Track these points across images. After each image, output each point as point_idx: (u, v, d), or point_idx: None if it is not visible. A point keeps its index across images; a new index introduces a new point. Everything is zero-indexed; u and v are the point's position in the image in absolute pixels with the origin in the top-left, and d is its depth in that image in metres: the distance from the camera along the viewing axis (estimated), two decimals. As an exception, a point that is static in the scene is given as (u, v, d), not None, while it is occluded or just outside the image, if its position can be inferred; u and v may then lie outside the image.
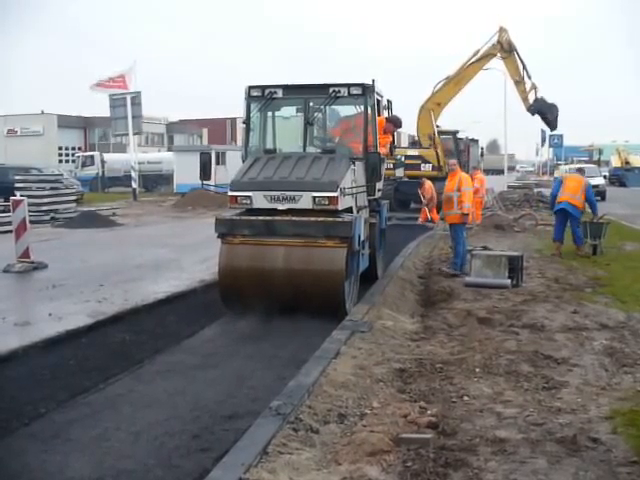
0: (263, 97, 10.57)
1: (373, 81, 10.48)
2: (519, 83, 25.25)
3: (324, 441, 4.93)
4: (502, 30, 24.61)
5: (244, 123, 10.82)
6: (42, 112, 63.04)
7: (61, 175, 28.26)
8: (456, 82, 25.73)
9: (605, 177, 45.92)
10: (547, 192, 37.04)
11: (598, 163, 59.92)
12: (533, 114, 24.98)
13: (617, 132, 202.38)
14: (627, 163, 57.15)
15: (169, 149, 56.13)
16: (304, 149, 10.59)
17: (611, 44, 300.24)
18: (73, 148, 62.89)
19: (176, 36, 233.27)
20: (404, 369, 6.68)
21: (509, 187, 40.90)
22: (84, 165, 48.50)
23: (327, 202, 9.12)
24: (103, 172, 47.33)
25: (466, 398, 5.83)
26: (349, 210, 9.66)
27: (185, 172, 34.64)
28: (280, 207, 9.26)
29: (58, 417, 5.74)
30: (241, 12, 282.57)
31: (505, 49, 24.75)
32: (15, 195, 16.82)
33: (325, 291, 8.87)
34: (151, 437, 5.26)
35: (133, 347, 7.86)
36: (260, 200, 9.34)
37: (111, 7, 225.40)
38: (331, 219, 9.07)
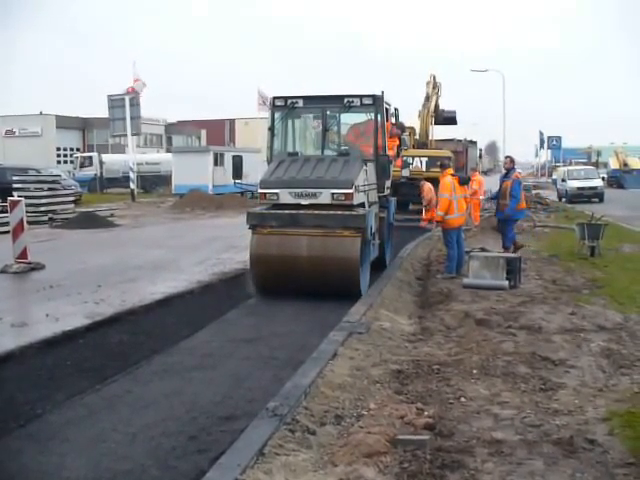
0: (286, 106, 11.90)
1: (382, 92, 11.73)
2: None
3: (321, 442, 4.92)
4: (434, 77, 29.85)
5: (269, 129, 12.00)
6: (40, 113, 62.93)
7: (59, 176, 28.22)
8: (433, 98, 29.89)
9: (603, 179, 45.89)
10: (545, 194, 37.22)
11: (596, 165, 60.00)
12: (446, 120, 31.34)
13: (615, 134, 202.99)
14: (625, 165, 57.05)
15: (168, 150, 56.16)
16: (322, 152, 11.97)
17: (610, 46, 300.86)
18: (71, 149, 62.81)
19: (175, 37, 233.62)
20: (401, 370, 6.68)
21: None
22: (82, 166, 48.51)
23: (344, 198, 10.36)
24: (101, 173, 47.31)
25: (463, 399, 5.83)
26: (362, 205, 10.92)
27: (184, 173, 34.66)
28: (303, 202, 10.54)
29: (55, 418, 5.72)
30: (241, 13, 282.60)
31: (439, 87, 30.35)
32: (13, 196, 16.80)
33: (343, 275, 10.15)
34: (148, 438, 5.25)
35: (130, 348, 7.85)
36: (286, 196, 10.60)
37: (110, 8, 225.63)
38: (347, 212, 10.38)
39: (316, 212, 10.41)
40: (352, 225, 10.30)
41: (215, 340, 8.28)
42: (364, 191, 11.04)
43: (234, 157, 12.74)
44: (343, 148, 12.36)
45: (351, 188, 10.36)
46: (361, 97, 11.65)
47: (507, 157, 15.34)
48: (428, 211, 20.37)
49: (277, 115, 12.04)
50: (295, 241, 10.38)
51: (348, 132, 13.04)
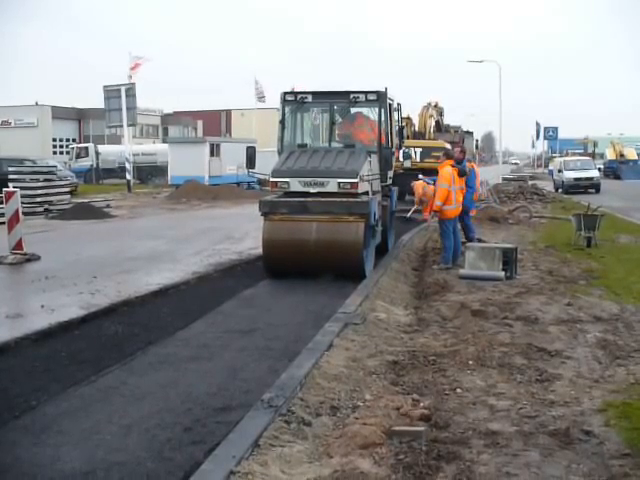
0: (296, 101, 12.78)
1: (386, 89, 12.66)
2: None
3: (316, 434, 4.91)
4: (437, 103, 30.92)
5: (280, 123, 12.81)
6: (36, 103, 62.85)
7: (55, 167, 28.11)
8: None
9: (600, 170, 45.89)
10: (541, 185, 37.21)
11: (593, 156, 60.02)
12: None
13: (612, 125, 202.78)
14: (622, 156, 57.16)
15: (164, 141, 56.03)
16: (329, 144, 12.91)
17: (607, 38, 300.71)
18: (67, 140, 62.73)
19: (172, 27, 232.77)
20: (397, 361, 6.67)
21: (504, 179, 40.89)
22: (78, 157, 48.40)
23: (349, 186, 11.21)
24: (97, 164, 47.22)
25: (459, 391, 5.82)
26: (366, 193, 11.67)
27: (180, 164, 34.58)
28: (312, 190, 11.35)
29: (49, 409, 5.70)
30: (241, 4, 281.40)
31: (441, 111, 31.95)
32: (8, 187, 16.73)
33: (348, 257, 10.91)
34: (143, 429, 5.23)
35: (126, 339, 7.82)
36: (296, 185, 11.43)
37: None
38: (352, 200, 11.17)
39: (324, 200, 11.18)
40: (357, 211, 11.09)
41: (211, 331, 8.26)
42: (368, 181, 11.78)
43: (248, 148, 13.32)
44: (349, 140, 13.07)
45: (356, 178, 11.17)
46: (366, 93, 12.53)
47: (458, 147, 14.92)
48: (426, 206, 20.10)
49: (287, 109, 12.83)
50: (304, 226, 11.12)
51: (353, 125, 13.61)
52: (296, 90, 12.95)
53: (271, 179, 11.70)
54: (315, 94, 12.90)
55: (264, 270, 11.58)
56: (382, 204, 13.12)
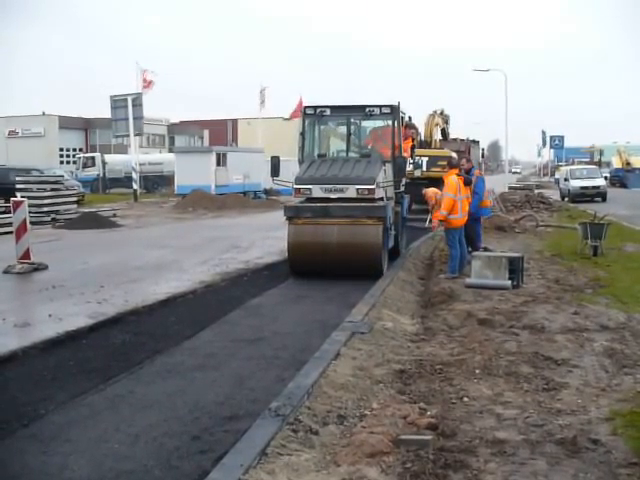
0: (315, 115, 13.68)
1: (398, 102, 13.49)
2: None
3: (323, 442, 4.92)
4: (443, 110, 31.35)
5: (301, 134, 13.80)
6: (43, 113, 63.14)
7: (62, 176, 28.24)
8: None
9: (606, 178, 45.73)
10: (548, 193, 37.16)
11: (599, 164, 59.83)
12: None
13: (618, 133, 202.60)
14: (628, 164, 56.93)
15: (170, 150, 56.21)
16: (347, 153, 14.03)
17: (613, 46, 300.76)
18: (74, 149, 62.94)
19: (178, 36, 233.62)
20: (404, 370, 6.68)
21: (510, 188, 40.86)
22: (85, 166, 48.60)
23: (367, 192, 12.16)
24: (104, 173, 47.39)
25: (466, 399, 5.82)
26: (381, 199, 12.61)
27: (186, 173, 34.68)
28: (332, 196, 12.30)
29: (58, 418, 5.72)
30: (245, 12, 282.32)
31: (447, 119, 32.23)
32: (16, 196, 16.82)
33: (367, 257, 11.86)
34: (150, 438, 5.25)
35: (133, 348, 7.85)
36: (317, 191, 12.40)
37: (114, 8, 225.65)
38: (370, 204, 12.16)
39: (344, 204, 12.08)
40: (375, 215, 12.05)
41: (218, 340, 8.28)
42: (383, 187, 12.72)
43: (272, 157, 13.93)
44: (365, 150, 14.16)
45: (373, 184, 12.12)
46: (380, 107, 13.38)
47: (464, 157, 15.05)
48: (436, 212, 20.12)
49: (307, 122, 13.75)
50: (326, 229, 12.00)
51: (369, 137, 14.81)
52: (312, 104, 13.74)
53: (295, 186, 12.58)
54: (333, 108, 13.71)
55: (290, 270, 12.41)
56: (395, 210, 13.77)
